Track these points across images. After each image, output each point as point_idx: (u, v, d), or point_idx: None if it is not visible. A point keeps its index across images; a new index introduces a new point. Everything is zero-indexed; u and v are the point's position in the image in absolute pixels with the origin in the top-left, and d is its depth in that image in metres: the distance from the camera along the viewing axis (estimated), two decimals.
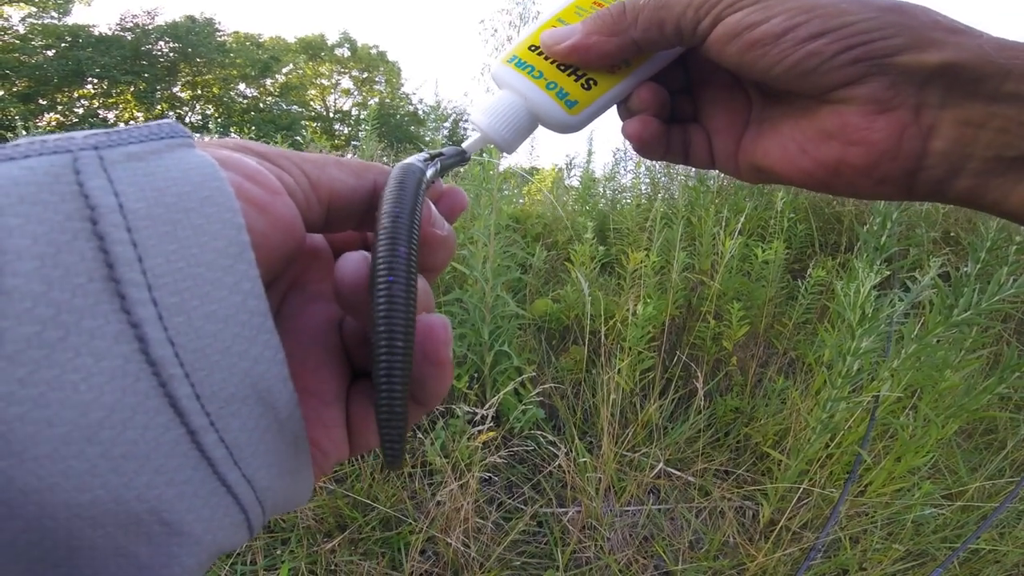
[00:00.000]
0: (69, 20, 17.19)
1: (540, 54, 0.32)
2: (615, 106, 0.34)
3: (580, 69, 0.31)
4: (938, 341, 1.15)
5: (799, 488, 1.24)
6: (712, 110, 0.34)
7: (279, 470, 0.18)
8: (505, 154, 0.31)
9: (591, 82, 0.31)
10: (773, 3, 0.27)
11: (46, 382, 0.13)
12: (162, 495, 0.14)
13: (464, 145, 0.30)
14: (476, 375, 1.50)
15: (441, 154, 0.26)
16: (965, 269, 1.21)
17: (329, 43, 23.45)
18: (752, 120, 0.33)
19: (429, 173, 0.22)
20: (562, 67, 0.31)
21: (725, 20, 0.28)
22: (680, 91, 0.35)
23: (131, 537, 0.14)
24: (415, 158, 0.23)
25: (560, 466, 1.32)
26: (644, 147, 0.33)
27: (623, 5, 0.30)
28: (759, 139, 0.31)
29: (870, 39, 0.25)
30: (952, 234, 2.13)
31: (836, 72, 0.26)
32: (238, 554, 1.12)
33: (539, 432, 1.40)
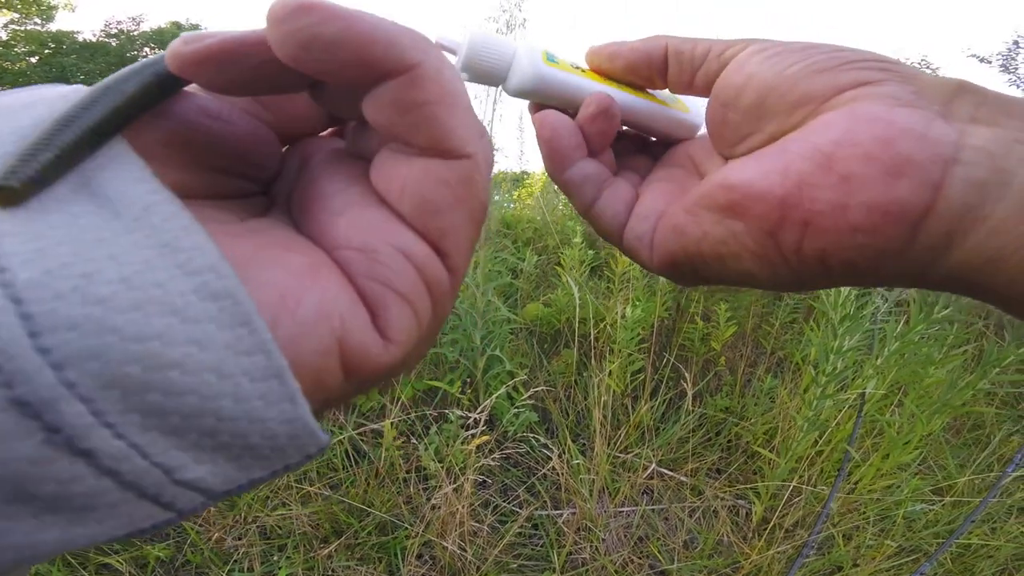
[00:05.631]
0: (53, 26, 17.05)
1: (569, 58, 0.30)
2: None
3: (580, 67, 0.30)
4: (921, 338, 1.17)
5: (790, 486, 1.26)
6: (657, 184, 0.29)
7: (129, 295, 0.10)
8: (464, 75, 0.28)
9: (581, 69, 0.30)
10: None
11: None
12: None
13: (435, 35, 0.28)
14: (469, 379, 1.51)
15: None
16: None
17: None
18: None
19: None
20: (570, 61, 0.30)
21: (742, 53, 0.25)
22: (634, 170, 0.31)
23: None
24: None
25: (554, 468, 1.33)
26: (550, 140, 0.28)
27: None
28: (715, 173, 0.25)
29: (895, 62, 0.22)
30: None
31: (856, 72, 0.21)
32: (234, 560, 1.12)
33: (532, 435, 1.42)
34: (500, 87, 0.29)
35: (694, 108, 0.32)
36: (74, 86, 0.15)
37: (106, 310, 0.10)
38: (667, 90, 0.30)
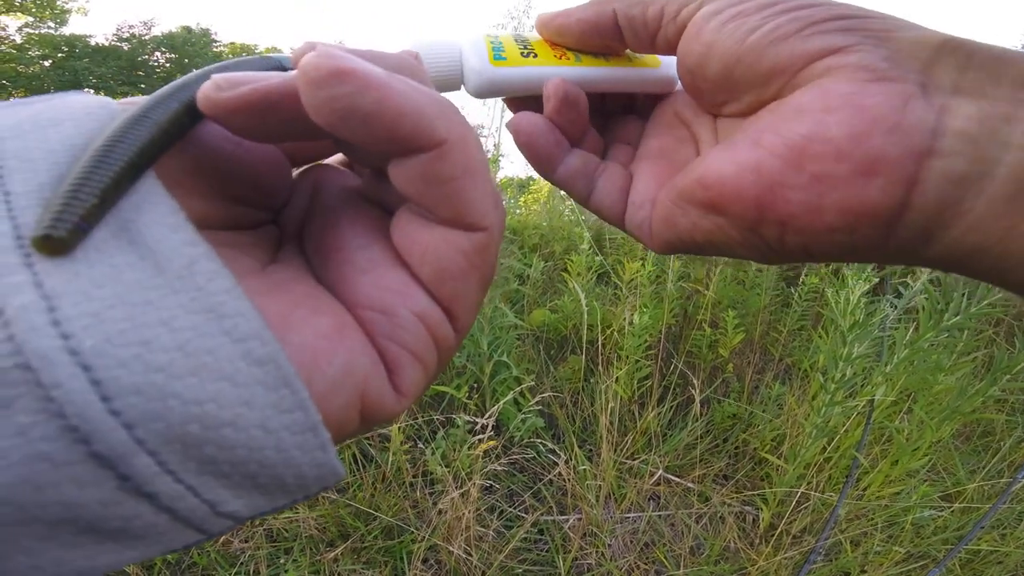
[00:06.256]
0: (66, 30, 17.25)
1: (518, 40, 0.29)
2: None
3: (532, 47, 0.28)
4: (930, 345, 1.17)
5: (797, 492, 1.25)
6: (649, 159, 0.28)
7: (168, 351, 0.11)
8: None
9: (531, 53, 0.28)
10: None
11: None
12: None
13: None
14: (476, 385, 1.51)
15: None
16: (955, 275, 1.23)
17: None
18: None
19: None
20: (517, 40, 0.28)
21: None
22: (627, 141, 0.30)
23: None
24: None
25: (560, 474, 1.33)
26: (528, 146, 0.27)
27: None
28: (695, 162, 0.24)
29: (864, 15, 0.20)
30: None
31: (823, 37, 0.20)
32: (241, 563, 1.13)
33: (539, 441, 1.42)
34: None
35: (666, 61, 0.30)
36: (99, 99, 0.15)
37: (166, 377, 0.11)
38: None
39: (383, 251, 0.17)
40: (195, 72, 0.16)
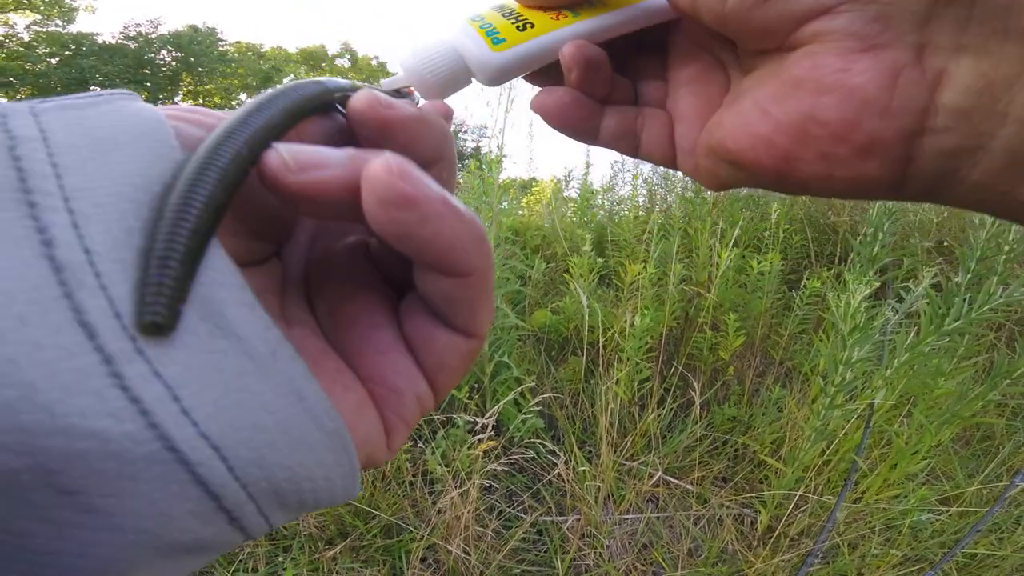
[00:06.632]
0: (73, 28, 17.33)
1: (498, 9, 0.28)
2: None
3: (523, 15, 0.27)
4: (931, 350, 1.17)
5: (796, 495, 1.25)
6: (684, 93, 0.27)
7: (270, 431, 0.14)
8: (425, 99, 0.27)
9: (527, 24, 0.26)
10: None
11: None
12: (51, 448, 0.11)
13: (383, 82, 0.26)
14: (476, 385, 1.52)
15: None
16: (956, 279, 1.23)
17: (330, 54, 23.59)
18: (724, 103, 0.26)
19: (334, 85, 0.20)
20: (507, 15, 0.27)
21: None
22: (652, 77, 0.29)
23: (16, 507, 0.11)
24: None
25: (559, 475, 1.34)
26: (561, 123, 0.27)
27: None
28: (721, 115, 0.25)
29: None
30: (946, 244, 2.15)
31: None
32: (240, 560, 1.14)
33: (539, 441, 1.42)
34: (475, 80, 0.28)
35: None
36: (148, 112, 0.15)
37: (271, 451, 0.14)
38: None
39: (395, 336, 0.20)
40: (250, 105, 0.16)
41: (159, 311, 0.12)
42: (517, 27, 0.26)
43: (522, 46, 0.26)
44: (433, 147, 0.19)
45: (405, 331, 0.20)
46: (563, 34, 0.26)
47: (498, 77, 0.27)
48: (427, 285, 0.18)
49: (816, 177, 0.21)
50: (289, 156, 0.15)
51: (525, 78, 0.29)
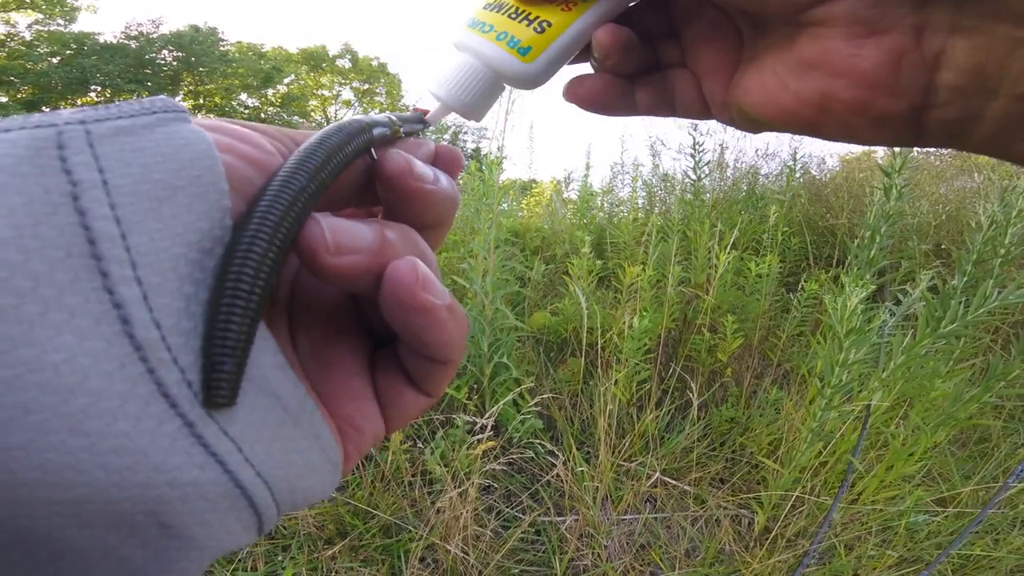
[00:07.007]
0: (75, 28, 17.33)
1: (492, 7, 0.28)
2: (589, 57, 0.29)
3: (532, 12, 0.27)
4: (927, 352, 1.18)
5: (793, 496, 1.26)
6: (700, 51, 0.28)
7: (299, 466, 0.17)
8: (472, 121, 0.28)
9: (544, 24, 0.26)
10: None
11: (24, 362, 0.11)
12: (162, 496, 0.13)
13: (429, 116, 0.27)
14: (476, 386, 1.52)
15: (401, 117, 0.24)
16: (953, 282, 1.24)
17: (331, 54, 23.59)
18: (743, 59, 0.27)
19: (378, 130, 0.21)
20: (514, 15, 0.27)
21: None
22: (664, 36, 0.29)
23: (124, 539, 0.13)
24: (368, 116, 0.21)
25: (558, 475, 1.34)
26: (600, 108, 0.29)
27: None
28: (743, 78, 0.26)
29: None
30: (943, 247, 2.16)
31: None
32: (239, 559, 1.14)
33: (537, 442, 1.43)
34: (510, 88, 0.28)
35: None
36: (201, 142, 0.15)
37: (299, 480, 0.17)
38: None
39: (366, 383, 0.22)
40: (293, 167, 0.17)
41: (224, 394, 0.15)
42: (535, 30, 0.27)
43: (549, 50, 0.27)
44: (441, 215, 0.22)
45: (377, 382, 0.22)
46: (584, 24, 0.27)
47: (535, 85, 0.28)
48: (411, 363, 0.22)
49: (843, 135, 0.23)
50: (330, 237, 0.17)
51: None
